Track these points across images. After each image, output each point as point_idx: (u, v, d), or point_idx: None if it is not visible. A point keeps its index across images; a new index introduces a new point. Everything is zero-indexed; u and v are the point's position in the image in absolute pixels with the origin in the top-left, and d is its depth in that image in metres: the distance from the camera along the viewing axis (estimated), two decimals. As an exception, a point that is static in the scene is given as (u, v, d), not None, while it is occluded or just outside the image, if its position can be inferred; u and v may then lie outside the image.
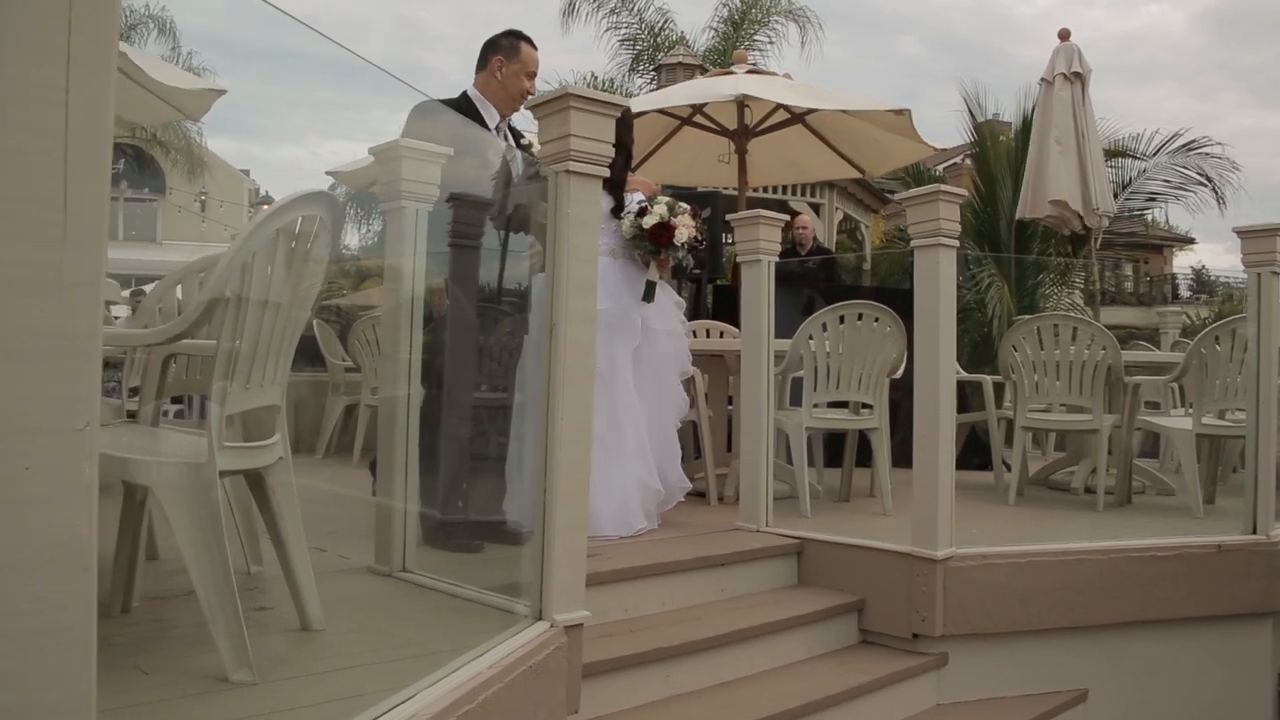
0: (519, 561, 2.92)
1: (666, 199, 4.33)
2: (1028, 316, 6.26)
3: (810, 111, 6.93)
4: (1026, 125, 12.33)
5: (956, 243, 3.98)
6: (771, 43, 14.89)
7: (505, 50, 4.14)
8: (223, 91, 6.00)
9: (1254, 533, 4.46)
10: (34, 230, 1.13)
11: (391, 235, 3.37)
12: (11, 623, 1.14)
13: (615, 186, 4.35)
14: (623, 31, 15.02)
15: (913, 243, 4.02)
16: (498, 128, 4.16)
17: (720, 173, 7.74)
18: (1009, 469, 5.77)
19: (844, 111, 6.78)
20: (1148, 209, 14.38)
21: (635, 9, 14.97)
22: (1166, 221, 27.53)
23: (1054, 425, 5.98)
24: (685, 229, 4.25)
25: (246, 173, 34.01)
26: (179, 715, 1.95)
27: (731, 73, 6.91)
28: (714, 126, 7.21)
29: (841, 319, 5.00)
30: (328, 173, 8.40)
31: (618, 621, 3.47)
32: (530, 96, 4.07)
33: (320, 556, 3.48)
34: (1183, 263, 33.75)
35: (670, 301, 4.50)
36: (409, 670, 2.17)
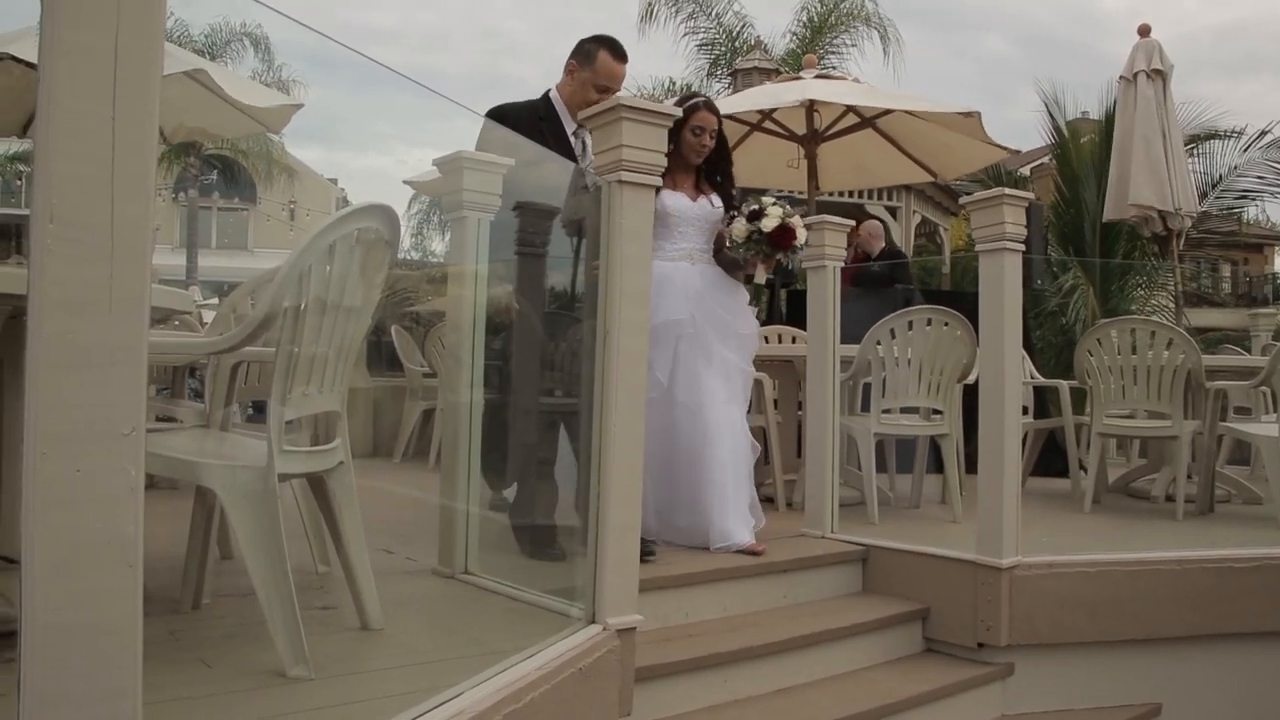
0: (577, 565, 2.97)
1: (772, 199, 4.16)
2: (1104, 320, 6.13)
3: (880, 115, 6.89)
4: (1110, 123, 12.12)
5: (1022, 246, 3.93)
6: (855, 45, 14.77)
7: (581, 56, 3.92)
8: (299, 105, 6.19)
9: (1341, 543, 4.31)
10: (84, 250, 1.21)
11: (455, 244, 3.45)
12: (62, 616, 1.21)
13: (720, 182, 4.27)
14: (700, 36, 15.07)
15: (977, 247, 3.99)
16: (575, 134, 3.94)
17: (790, 178, 7.72)
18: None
19: (913, 114, 6.72)
20: (1240, 206, 13.91)
21: (714, 14, 15.01)
22: (1266, 219, 26.58)
23: (1131, 431, 5.85)
24: (801, 230, 4.11)
25: (334, 181, 34.95)
26: (235, 706, 2.04)
27: (800, 78, 6.91)
28: (783, 132, 7.20)
29: (910, 324, 4.97)
30: (405, 181, 8.57)
31: (677, 626, 3.50)
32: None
33: (388, 558, 3.59)
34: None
35: (746, 303, 4.40)
36: (462, 670, 2.22)
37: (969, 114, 6.33)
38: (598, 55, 3.87)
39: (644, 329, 2.86)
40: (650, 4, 14.77)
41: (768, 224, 4.02)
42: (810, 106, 6.53)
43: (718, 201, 4.21)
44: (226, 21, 21.81)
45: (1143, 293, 12.29)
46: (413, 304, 10.29)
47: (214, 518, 2.67)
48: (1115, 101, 8.05)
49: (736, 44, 14.62)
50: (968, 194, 4.21)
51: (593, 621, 2.73)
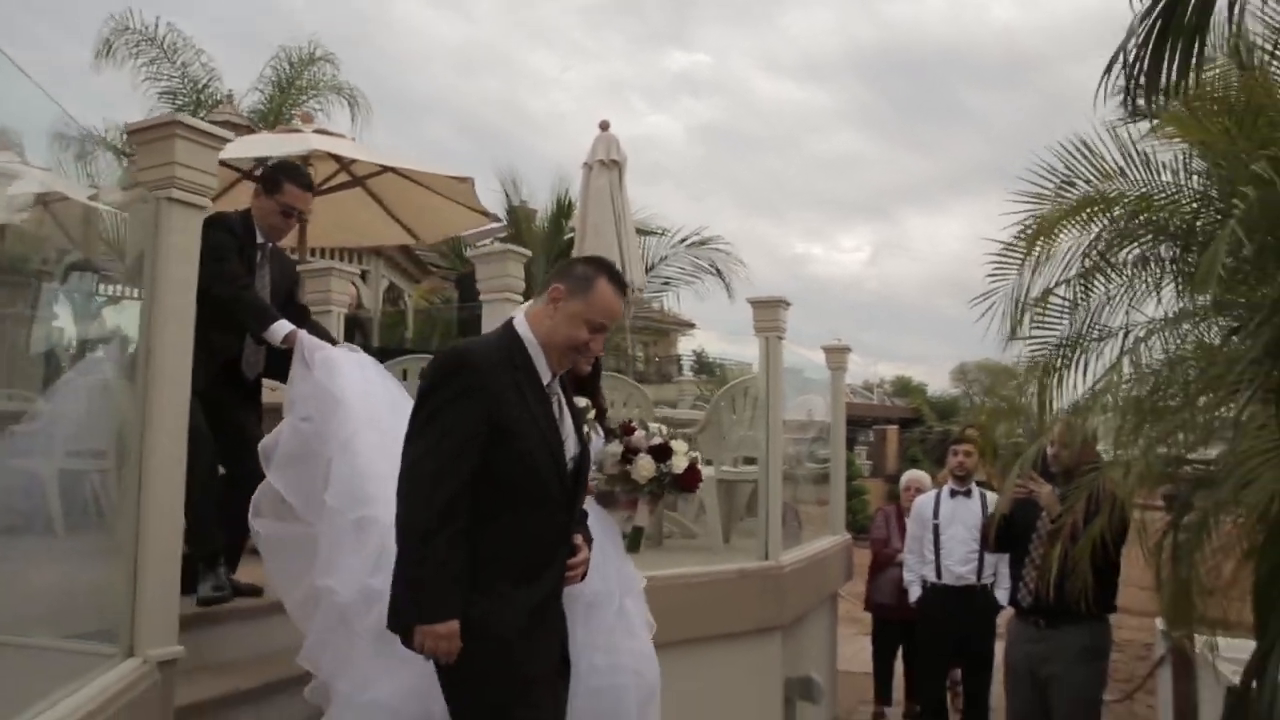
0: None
1: (661, 427, 3.47)
2: (574, 377, 6.81)
3: (373, 175, 7.08)
4: (560, 209, 13.74)
5: (521, 297, 4.39)
6: (320, 109, 14.64)
7: (573, 281, 2.80)
8: None
9: (766, 559, 5.24)
10: None
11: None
12: None
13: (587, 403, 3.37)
14: (163, 84, 14.07)
15: (483, 297, 4.40)
16: (548, 386, 2.79)
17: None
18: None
19: (407, 177, 7.00)
20: (663, 293, 16.06)
21: (179, 62, 14.14)
22: (678, 305, 30.51)
23: (598, 476, 6.53)
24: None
25: None
26: None
27: (300, 130, 6.91)
28: (275, 183, 7.13)
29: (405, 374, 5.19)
30: None
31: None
32: (587, 354, 2.89)
33: None
34: (686, 346, 37.71)
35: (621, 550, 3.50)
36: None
37: (463, 179, 6.75)
38: (596, 283, 2.79)
39: (188, 351, 2.79)
40: (109, 40, 13.55)
41: (678, 463, 3.41)
42: (306, 160, 6.55)
43: (599, 432, 3.43)
44: None
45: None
46: None
47: None
48: (569, 189, 8.97)
49: (202, 96, 13.93)
50: (434, 265, 4.56)
51: (131, 655, 2.59)
